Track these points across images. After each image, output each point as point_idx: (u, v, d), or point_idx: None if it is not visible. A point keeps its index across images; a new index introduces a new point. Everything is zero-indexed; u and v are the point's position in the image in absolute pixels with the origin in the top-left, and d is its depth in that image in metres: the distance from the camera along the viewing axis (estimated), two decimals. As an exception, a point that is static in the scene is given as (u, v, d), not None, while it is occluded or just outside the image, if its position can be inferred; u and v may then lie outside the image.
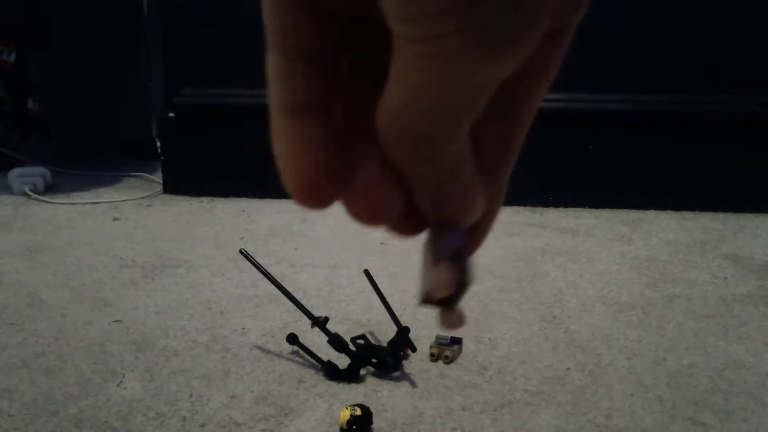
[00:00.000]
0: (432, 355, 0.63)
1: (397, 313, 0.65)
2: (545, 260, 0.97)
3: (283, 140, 0.18)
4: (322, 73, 0.17)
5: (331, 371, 0.59)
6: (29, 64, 1.70)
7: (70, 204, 1.36)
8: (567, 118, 1.32)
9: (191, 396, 0.56)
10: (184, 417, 0.53)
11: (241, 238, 1.10)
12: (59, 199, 1.39)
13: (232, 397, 0.56)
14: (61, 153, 1.76)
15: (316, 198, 0.18)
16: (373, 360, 0.60)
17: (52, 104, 1.75)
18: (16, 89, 1.72)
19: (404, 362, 0.62)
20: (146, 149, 1.93)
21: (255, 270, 0.64)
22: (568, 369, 0.62)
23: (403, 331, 0.62)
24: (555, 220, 1.23)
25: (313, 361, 0.61)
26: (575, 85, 1.30)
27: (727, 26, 1.25)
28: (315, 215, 1.27)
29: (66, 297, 0.81)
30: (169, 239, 1.09)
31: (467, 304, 0.79)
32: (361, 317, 0.75)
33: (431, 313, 0.76)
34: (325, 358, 0.60)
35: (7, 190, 1.45)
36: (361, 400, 0.55)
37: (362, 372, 0.60)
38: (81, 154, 1.86)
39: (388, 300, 0.66)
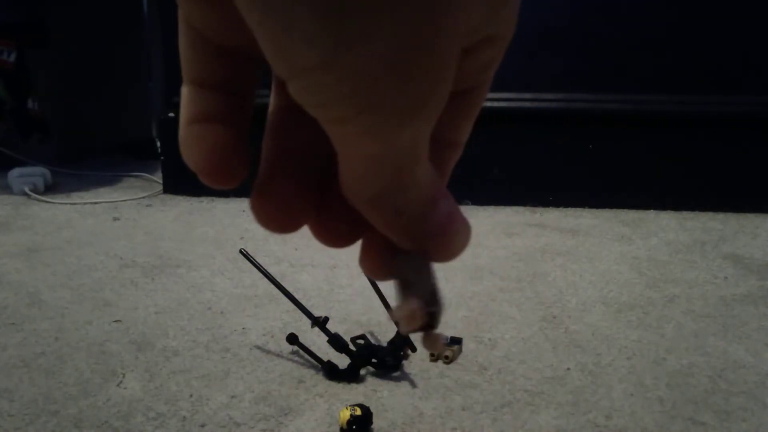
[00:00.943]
0: (432, 355, 0.63)
1: (397, 313, 0.65)
2: (545, 260, 0.97)
3: (191, 142, 0.18)
4: (234, 100, 0.18)
5: (331, 371, 0.59)
6: (29, 64, 1.70)
7: (70, 204, 1.36)
8: (567, 118, 1.32)
9: (191, 396, 0.56)
10: (184, 417, 0.53)
11: (241, 238, 1.10)
12: (59, 199, 1.39)
13: (232, 397, 0.56)
14: (61, 153, 1.76)
15: (222, 178, 0.19)
16: (373, 360, 0.60)
17: (52, 104, 1.75)
18: (16, 89, 1.72)
19: (404, 362, 0.62)
20: (146, 149, 1.93)
21: (255, 270, 0.64)
22: (568, 369, 0.62)
23: None
24: (555, 220, 1.23)
25: (313, 361, 0.61)
26: (575, 85, 1.30)
27: (727, 26, 1.25)
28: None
29: (66, 297, 0.81)
30: (169, 239, 1.09)
31: (467, 304, 0.79)
32: (361, 317, 0.75)
33: (431, 313, 0.76)
34: (325, 358, 0.60)
35: (7, 190, 1.45)
36: (361, 400, 0.55)
37: (362, 372, 0.60)
38: (81, 154, 1.86)
39: (388, 300, 0.66)
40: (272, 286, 0.63)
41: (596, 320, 0.74)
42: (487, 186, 1.36)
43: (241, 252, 0.64)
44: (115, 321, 0.73)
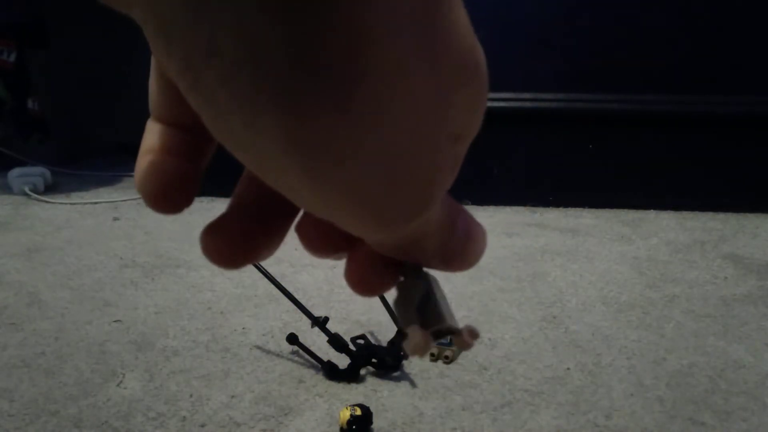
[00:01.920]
0: (432, 355, 0.63)
1: (397, 313, 0.65)
2: (545, 260, 0.97)
3: (147, 171, 0.19)
4: (197, 140, 0.19)
5: (331, 371, 0.59)
6: (29, 64, 1.70)
7: (70, 204, 1.36)
8: (567, 118, 1.32)
9: (191, 396, 0.56)
10: (184, 417, 0.53)
11: (241, 238, 1.10)
12: (59, 199, 1.39)
13: (232, 397, 0.56)
14: (61, 153, 1.76)
15: (169, 207, 0.19)
16: (373, 360, 0.60)
17: (52, 104, 1.75)
18: (16, 89, 1.72)
19: (404, 362, 0.62)
20: (146, 149, 1.92)
21: (255, 270, 0.64)
22: (568, 369, 0.62)
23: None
24: (555, 220, 1.23)
25: (313, 361, 0.61)
26: (575, 85, 1.30)
27: (727, 26, 1.25)
28: (315, 215, 1.27)
29: (66, 297, 0.81)
30: (169, 239, 1.09)
31: (467, 304, 0.79)
32: (361, 317, 0.75)
33: (431, 313, 0.76)
34: (325, 358, 0.60)
35: (7, 190, 1.45)
36: (361, 400, 0.55)
37: (362, 372, 0.60)
38: (81, 154, 1.86)
39: (387, 300, 0.66)
40: (272, 286, 0.63)
41: (596, 320, 0.74)
42: (487, 186, 1.36)
43: (241, 252, 0.64)
44: (115, 321, 0.73)
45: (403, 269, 0.19)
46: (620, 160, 1.33)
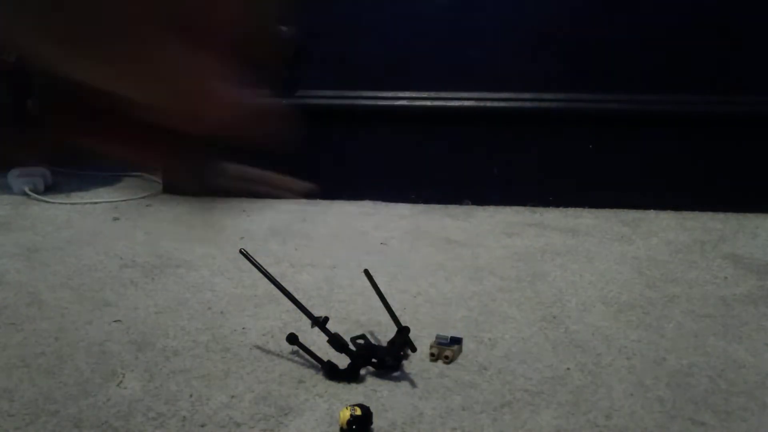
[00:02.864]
0: (432, 355, 0.63)
1: (397, 313, 0.65)
2: (545, 260, 0.97)
3: None
4: None
5: (331, 371, 0.59)
6: (29, 64, 1.70)
7: (70, 204, 1.36)
8: (567, 118, 1.32)
9: (191, 396, 0.56)
10: (184, 417, 0.53)
11: (241, 238, 1.10)
12: (59, 199, 1.39)
13: (232, 397, 0.56)
14: (61, 153, 1.75)
15: None
16: (373, 360, 0.60)
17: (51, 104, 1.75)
18: (16, 89, 1.72)
19: (404, 362, 0.62)
20: (146, 149, 1.92)
21: (255, 270, 0.64)
22: (568, 369, 0.62)
23: (403, 331, 0.62)
24: (555, 220, 1.23)
25: (313, 361, 0.61)
26: (575, 85, 1.30)
27: (727, 26, 1.25)
28: (315, 215, 1.27)
29: (66, 297, 0.81)
30: (169, 239, 1.09)
31: (467, 304, 0.79)
32: (361, 317, 0.74)
33: (431, 313, 0.76)
34: (325, 358, 0.60)
35: (7, 190, 1.45)
36: (361, 400, 0.55)
37: (362, 372, 0.60)
38: (81, 154, 1.85)
39: (387, 300, 0.66)
40: (272, 286, 0.63)
41: (596, 320, 0.74)
42: (487, 186, 1.36)
43: (241, 252, 0.64)
44: (115, 321, 0.73)
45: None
46: (620, 160, 1.33)
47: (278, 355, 0.65)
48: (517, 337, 0.70)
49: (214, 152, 0.23)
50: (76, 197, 1.42)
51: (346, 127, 1.40)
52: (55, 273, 0.90)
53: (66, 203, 1.36)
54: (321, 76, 1.38)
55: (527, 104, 1.32)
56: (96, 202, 1.37)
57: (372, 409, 0.51)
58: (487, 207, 1.35)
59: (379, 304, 0.66)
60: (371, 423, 0.50)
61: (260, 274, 0.64)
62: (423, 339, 0.67)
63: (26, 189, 1.41)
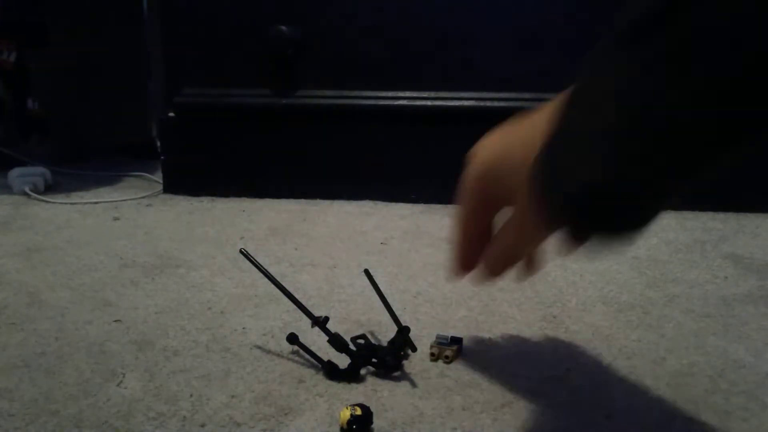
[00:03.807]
0: (432, 354, 0.63)
1: (397, 313, 0.65)
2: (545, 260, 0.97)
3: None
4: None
5: (331, 371, 0.59)
6: (29, 64, 1.70)
7: (70, 204, 1.36)
8: (567, 118, 1.32)
9: (191, 396, 0.56)
10: (185, 417, 0.53)
11: (241, 238, 1.10)
12: (59, 198, 1.39)
13: (233, 396, 0.56)
14: (61, 153, 1.76)
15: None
16: (374, 360, 0.60)
17: (52, 104, 1.75)
18: (16, 89, 1.72)
19: (404, 362, 0.62)
20: (146, 149, 1.93)
21: (255, 270, 0.64)
22: (568, 369, 0.62)
23: (403, 331, 0.62)
24: (555, 220, 1.23)
25: (313, 361, 0.61)
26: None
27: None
28: (315, 215, 1.27)
29: (66, 297, 0.81)
30: (169, 239, 1.09)
31: (467, 304, 0.79)
32: (361, 317, 0.75)
33: (431, 313, 0.76)
34: (325, 358, 0.60)
35: (7, 189, 1.45)
36: (361, 399, 0.55)
37: (362, 372, 0.60)
38: (81, 153, 1.86)
39: (388, 300, 0.66)
40: (272, 285, 0.63)
41: (596, 320, 0.74)
42: (487, 186, 1.36)
43: (241, 252, 0.64)
44: (115, 321, 0.73)
45: None
46: (620, 160, 1.33)
47: (278, 355, 0.65)
48: (518, 336, 0.70)
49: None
50: (76, 197, 1.42)
51: (347, 127, 1.40)
52: (55, 273, 0.90)
53: (66, 203, 1.36)
54: (321, 76, 1.38)
55: (527, 104, 1.32)
56: (96, 202, 1.37)
57: (372, 409, 0.51)
58: (487, 207, 1.34)
59: (380, 304, 0.66)
60: (371, 423, 0.50)
61: (260, 274, 0.64)
62: (423, 339, 0.67)
63: (26, 189, 1.41)
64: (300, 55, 1.37)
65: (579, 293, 0.83)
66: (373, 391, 0.57)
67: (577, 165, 0.37)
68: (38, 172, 1.47)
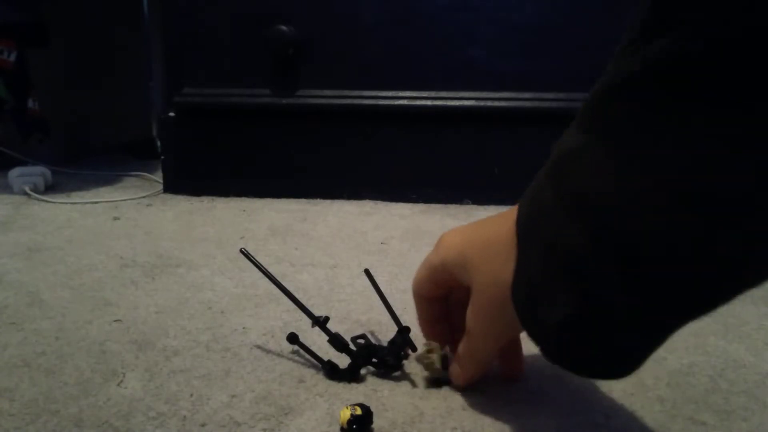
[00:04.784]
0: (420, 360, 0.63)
1: (398, 313, 0.65)
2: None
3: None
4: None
5: (331, 371, 0.59)
6: (29, 63, 1.70)
7: (71, 203, 1.36)
8: (567, 118, 1.32)
9: (192, 395, 0.56)
10: (185, 416, 0.53)
11: (242, 238, 1.10)
12: (59, 198, 1.39)
13: (233, 396, 0.56)
14: (61, 153, 1.76)
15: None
16: (374, 360, 0.60)
17: (52, 104, 1.75)
18: (16, 89, 1.72)
19: (405, 362, 0.62)
20: (146, 149, 1.93)
21: (255, 269, 0.64)
22: (569, 369, 0.62)
23: (403, 331, 0.62)
24: (555, 220, 1.22)
25: (313, 360, 0.61)
26: (575, 85, 1.30)
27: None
28: (315, 215, 1.27)
29: (66, 296, 0.81)
30: (169, 239, 1.09)
31: (467, 303, 0.79)
32: (361, 317, 0.75)
33: (431, 313, 0.76)
34: (325, 358, 0.60)
35: (7, 189, 1.45)
36: (361, 399, 0.55)
37: (362, 372, 0.60)
38: (81, 153, 1.86)
39: (388, 299, 0.66)
40: (273, 285, 0.63)
41: (596, 320, 0.74)
42: (487, 186, 1.36)
43: (241, 251, 0.64)
44: (115, 320, 0.73)
45: None
46: (620, 160, 1.33)
47: (279, 354, 0.65)
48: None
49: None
50: (77, 197, 1.42)
51: (347, 127, 1.41)
52: (55, 272, 0.90)
53: (66, 203, 1.36)
54: (321, 76, 1.38)
55: (527, 104, 1.32)
56: (96, 202, 1.37)
57: (372, 409, 0.51)
58: (487, 206, 1.35)
59: (380, 303, 0.66)
60: (371, 423, 0.50)
61: (261, 274, 0.64)
62: (423, 339, 0.67)
63: (26, 189, 1.41)
64: (300, 55, 1.37)
65: (579, 293, 0.83)
66: (373, 391, 0.57)
67: (546, 304, 0.38)
68: (38, 172, 1.47)
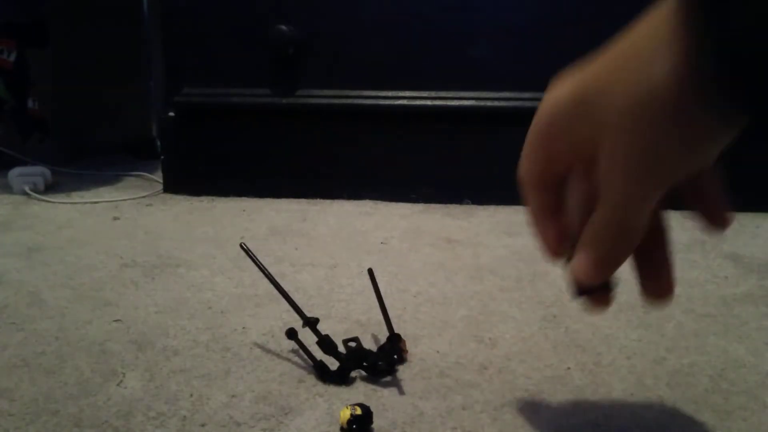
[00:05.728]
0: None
1: (397, 313, 0.65)
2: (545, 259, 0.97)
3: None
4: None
5: (321, 371, 0.59)
6: (29, 63, 1.70)
7: (71, 203, 1.36)
8: (567, 118, 1.32)
9: (191, 395, 0.56)
10: (185, 416, 0.53)
11: (242, 238, 1.10)
12: (59, 198, 1.39)
13: (233, 396, 0.56)
14: (61, 152, 1.76)
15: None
16: (364, 364, 0.59)
17: (52, 104, 1.75)
18: (16, 89, 1.72)
19: (404, 362, 0.62)
20: (146, 149, 1.93)
21: (255, 269, 0.64)
22: (569, 368, 0.62)
23: (393, 339, 0.61)
24: (555, 220, 1.23)
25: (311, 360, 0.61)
26: (575, 84, 1.30)
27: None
28: (315, 215, 1.27)
29: (66, 296, 0.81)
30: (169, 238, 1.09)
31: (467, 303, 0.79)
32: (361, 317, 0.75)
33: (431, 313, 0.76)
34: (318, 358, 0.60)
35: (7, 189, 1.45)
36: (361, 399, 0.55)
37: (353, 375, 0.60)
38: (81, 153, 1.86)
39: (387, 300, 0.66)
40: (273, 285, 0.63)
41: (596, 320, 0.74)
42: (488, 185, 1.36)
43: (241, 246, 0.64)
44: (115, 320, 0.73)
45: None
46: (620, 160, 1.33)
47: (278, 354, 0.65)
48: (518, 336, 0.70)
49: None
50: (77, 197, 1.42)
51: (347, 127, 1.40)
52: (55, 272, 0.90)
53: (66, 203, 1.36)
54: (321, 76, 1.38)
55: (527, 104, 1.32)
56: (96, 202, 1.37)
57: (372, 409, 0.51)
58: (487, 206, 1.35)
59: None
60: (371, 422, 0.50)
61: (261, 274, 0.64)
62: (423, 339, 0.67)
63: (26, 189, 1.41)
64: (300, 55, 1.37)
65: (579, 293, 0.83)
66: (373, 390, 0.57)
67: None
68: (38, 172, 1.47)
